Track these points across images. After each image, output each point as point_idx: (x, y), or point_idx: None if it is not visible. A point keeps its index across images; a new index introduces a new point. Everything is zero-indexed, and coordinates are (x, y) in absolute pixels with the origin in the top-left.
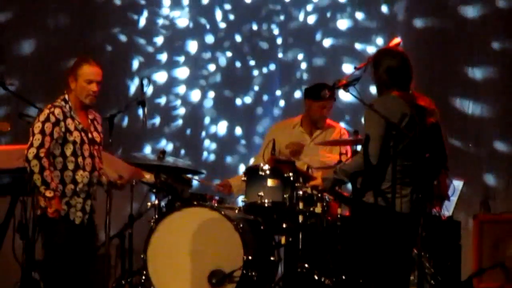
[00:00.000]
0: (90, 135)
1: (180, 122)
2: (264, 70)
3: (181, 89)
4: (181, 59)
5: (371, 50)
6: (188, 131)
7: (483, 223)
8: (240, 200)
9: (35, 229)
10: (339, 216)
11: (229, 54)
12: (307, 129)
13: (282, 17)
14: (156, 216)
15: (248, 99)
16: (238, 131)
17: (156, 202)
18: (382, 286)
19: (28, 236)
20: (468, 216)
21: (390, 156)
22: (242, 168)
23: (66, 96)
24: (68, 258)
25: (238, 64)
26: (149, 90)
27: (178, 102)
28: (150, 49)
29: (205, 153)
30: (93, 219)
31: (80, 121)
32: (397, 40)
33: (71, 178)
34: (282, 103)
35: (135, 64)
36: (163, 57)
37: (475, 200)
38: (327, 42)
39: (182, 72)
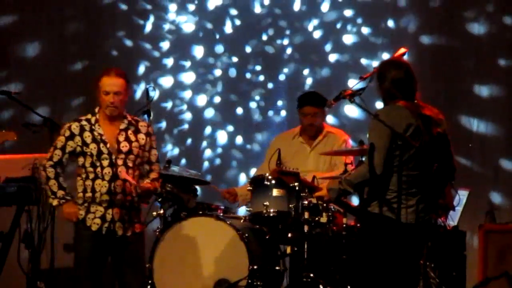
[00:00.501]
0: (111, 145)
1: (186, 126)
2: (270, 84)
3: (187, 94)
4: (187, 64)
5: (376, 65)
6: (190, 138)
7: (488, 233)
8: (245, 209)
9: (40, 239)
10: (344, 226)
11: (235, 60)
12: (306, 139)
13: (288, 31)
14: (162, 225)
15: (251, 108)
16: (239, 139)
17: (162, 211)
18: None
19: (33, 246)
20: (474, 226)
21: (395, 166)
22: (242, 177)
23: (97, 108)
24: (82, 263)
25: (243, 72)
26: (155, 95)
27: (184, 106)
28: (156, 54)
29: (206, 162)
30: (120, 229)
31: (105, 132)
32: (403, 49)
33: (90, 187)
34: (283, 113)
35: (141, 69)
36: (169, 62)
37: (480, 210)
38: (333, 57)
39: (188, 77)
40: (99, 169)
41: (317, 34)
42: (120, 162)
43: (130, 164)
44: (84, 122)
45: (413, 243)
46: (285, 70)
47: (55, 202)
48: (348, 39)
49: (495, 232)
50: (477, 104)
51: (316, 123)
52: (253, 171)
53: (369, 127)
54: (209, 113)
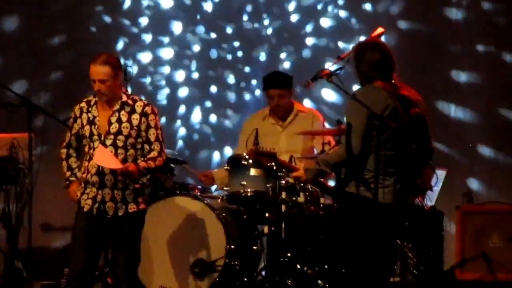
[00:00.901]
0: (101, 127)
1: (164, 102)
2: (246, 68)
3: (166, 69)
4: (166, 40)
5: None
6: (164, 117)
7: (465, 214)
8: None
9: (18, 219)
10: (322, 205)
11: (213, 35)
12: (276, 120)
13: (266, 15)
14: None
15: (226, 87)
16: (213, 118)
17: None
18: (364, 276)
19: (11, 225)
20: (451, 206)
21: (372, 146)
22: (216, 155)
23: None
24: (73, 240)
25: (221, 49)
26: (133, 72)
27: (163, 82)
28: (135, 30)
29: (179, 141)
30: (111, 209)
31: (99, 113)
32: (381, 29)
33: (86, 168)
34: (257, 92)
35: (120, 45)
36: (148, 37)
37: (458, 191)
38: (310, 41)
39: (167, 53)
40: (91, 150)
41: (295, 18)
42: (108, 142)
43: (120, 144)
44: (83, 104)
45: (390, 223)
46: (262, 54)
47: (64, 184)
48: (326, 22)
49: (472, 213)
50: (455, 90)
51: (283, 104)
52: (227, 150)
53: (346, 107)
54: (184, 92)
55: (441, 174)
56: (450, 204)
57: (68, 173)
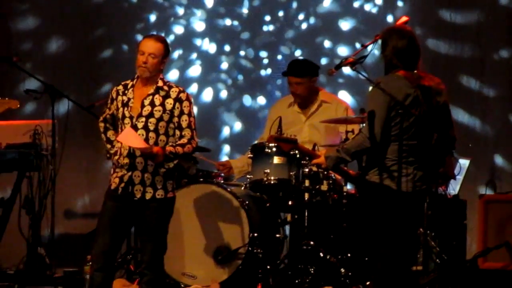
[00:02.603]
0: (134, 109)
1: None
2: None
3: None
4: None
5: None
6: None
7: (488, 203)
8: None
9: (41, 205)
10: (344, 194)
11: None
12: (301, 108)
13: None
14: None
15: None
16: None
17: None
18: (387, 264)
19: (34, 212)
20: (474, 195)
21: (394, 134)
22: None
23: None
24: (100, 224)
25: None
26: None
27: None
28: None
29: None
30: (139, 192)
31: (135, 96)
32: (405, 18)
33: (119, 150)
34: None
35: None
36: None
37: (481, 180)
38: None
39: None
40: None
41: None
42: (140, 125)
43: (151, 128)
44: (120, 87)
45: (410, 212)
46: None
47: (111, 150)
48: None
49: (495, 202)
50: (480, 64)
51: (300, 92)
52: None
53: (369, 95)
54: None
55: (464, 163)
56: (473, 193)
57: (109, 146)
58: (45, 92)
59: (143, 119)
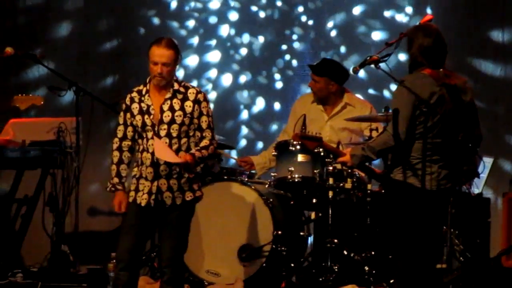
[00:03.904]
0: (155, 116)
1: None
2: (296, 44)
3: (213, 73)
4: (213, 42)
5: (399, 18)
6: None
7: None
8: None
9: (65, 202)
10: (369, 192)
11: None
12: (325, 107)
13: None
14: None
15: (281, 78)
16: (277, 106)
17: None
18: (411, 262)
19: (58, 209)
20: (498, 193)
21: (419, 133)
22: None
23: (148, 78)
24: (124, 224)
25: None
26: (180, 74)
27: (210, 86)
28: (183, 32)
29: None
30: (169, 199)
31: (153, 102)
32: (429, 16)
33: (140, 160)
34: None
35: None
36: (195, 40)
37: (505, 178)
38: (357, 10)
39: (214, 56)
40: (144, 140)
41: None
42: (163, 133)
43: (174, 134)
44: (134, 94)
45: (434, 210)
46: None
47: (108, 187)
48: None
49: None
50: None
51: (315, 90)
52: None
53: (394, 93)
54: (238, 88)
55: (488, 161)
56: (497, 191)
57: (116, 180)
58: (69, 89)
59: (165, 126)
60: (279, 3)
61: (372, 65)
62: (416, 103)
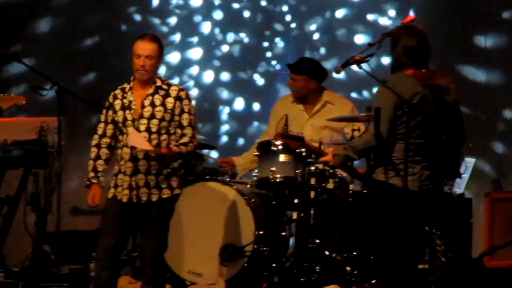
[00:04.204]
0: (136, 111)
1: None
2: (279, 43)
3: (194, 70)
4: (195, 39)
5: (382, 21)
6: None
7: (494, 201)
8: (252, 174)
9: (47, 202)
10: (351, 192)
11: (243, 35)
12: (305, 106)
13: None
14: None
15: (262, 76)
16: (256, 106)
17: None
18: (393, 263)
19: (40, 209)
20: (480, 194)
21: (401, 133)
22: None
23: (132, 76)
24: (105, 223)
25: (251, 41)
26: (162, 71)
27: (191, 83)
28: (164, 29)
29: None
30: (145, 195)
31: (135, 98)
32: (411, 16)
33: (120, 156)
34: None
35: None
36: (177, 37)
37: (487, 178)
38: (340, 13)
39: (196, 53)
40: (125, 136)
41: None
42: (142, 127)
43: (154, 129)
44: (117, 91)
45: (417, 210)
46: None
47: (84, 182)
48: None
49: (501, 201)
50: (484, 55)
51: (294, 88)
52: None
53: (376, 93)
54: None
55: (470, 161)
56: (479, 191)
57: (92, 174)
58: (51, 88)
59: (145, 121)
60: (263, 3)
61: (355, 66)
62: (398, 103)
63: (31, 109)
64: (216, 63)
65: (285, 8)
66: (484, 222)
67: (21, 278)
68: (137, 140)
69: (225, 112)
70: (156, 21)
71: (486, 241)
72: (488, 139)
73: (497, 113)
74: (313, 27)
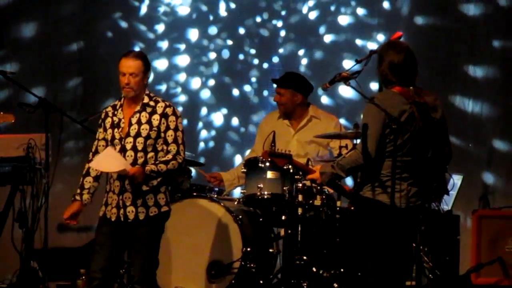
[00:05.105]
0: (124, 129)
1: (180, 109)
2: (265, 64)
3: (182, 77)
4: (182, 46)
5: (372, 46)
6: (185, 119)
7: (481, 218)
8: (239, 191)
9: (34, 219)
10: (338, 209)
11: (230, 42)
12: (291, 122)
13: (284, 12)
14: None
15: (246, 89)
16: (235, 121)
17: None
18: (380, 280)
19: (27, 225)
20: (467, 211)
21: (389, 150)
22: (238, 159)
23: None
24: (97, 243)
25: (238, 54)
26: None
27: (179, 89)
28: (151, 36)
29: (201, 143)
30: (132, 213)
31: (124, 116)
32: (399, 33)
33: (110, 174)
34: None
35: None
36: (164, 44)
37: (474, 195)
38: (328, 38)
39: (183, 60)
40: None
41: (312, 15)
42: (128, 146)
43: (140, 147)
44: (109, 109)
45: (404, 228)
46: (281, 50)
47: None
48: (344, 20)
49: (488, 218)
50: (472, 84)
51: (282, 102)
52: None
53: (363, 110)
54: (205, 94)
55: (457, 178)
56: (467, 208)
57: (78, 191)
58: (39, 106)
59: (131, 139)
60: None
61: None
62: (386, 120)
63: (19, 126)
64: (203, 70)
65: (279, 23)
66: (471, 239)
67: None
68: (104, 162)
69: (210, 118)
70: (143, 27)
71: (473, 257)
72: (475, 156)
73: (485, 143)
74: (301, 52)
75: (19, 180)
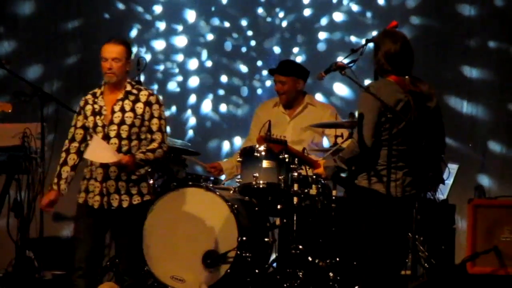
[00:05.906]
0: (106, 117)
1: (178, 89)
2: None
3: (179, 57)
4: (179, 28)
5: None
6: (175, 106)
7: (477, 208)
8: (235, 180)
9: (30, 208)
10: (334, 198)
11: (227, 25)
12: (286, 109)
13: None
14: None
15: (238, 78)
16: (223, 108)
17: (151, 182)
18: (375, 269)
19: (23, 215)
20: (463, 200)
21: (384, 140)
22: (226, 145)
23: (103, 80)
24: (78, 232)
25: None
26: (147, 57)
27: (176, 70)
28: (148, 17)
29: (190, 131)
30: (116, 201)
31: (106, 103)
32: (394, 22)
33: (90, 161)
34: (268, 83)
35: (134, 32)
36: (162, 25)
37: (470, 184)
38: (323, 35)
39: (180, 41)
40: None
41: (308, 12)
42: (112, 133)
43: (124, 135)
44: (89, 96)
45: (399, 217)
46: (275, 47)
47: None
48: (339, 17)
49: (484, 207)
50: (466, 86)
51: (284, 91)
52: (236, 140)
53: (359, 99)
54: (195, 81)
55: (453, 168)
56: (462, 197)
57: (55, 180)
58: (34, 95)
59: (115, 127)
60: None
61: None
62: (382, 109)
63: (14, 114)
64: (200, 51)
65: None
66: (467, 228)
67: (4, 284)
68: (96, 152)
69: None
70: (140, 9)
71: (468, 247)
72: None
73: (480, 145)
74: (295, 49)
75: (14, 169)
